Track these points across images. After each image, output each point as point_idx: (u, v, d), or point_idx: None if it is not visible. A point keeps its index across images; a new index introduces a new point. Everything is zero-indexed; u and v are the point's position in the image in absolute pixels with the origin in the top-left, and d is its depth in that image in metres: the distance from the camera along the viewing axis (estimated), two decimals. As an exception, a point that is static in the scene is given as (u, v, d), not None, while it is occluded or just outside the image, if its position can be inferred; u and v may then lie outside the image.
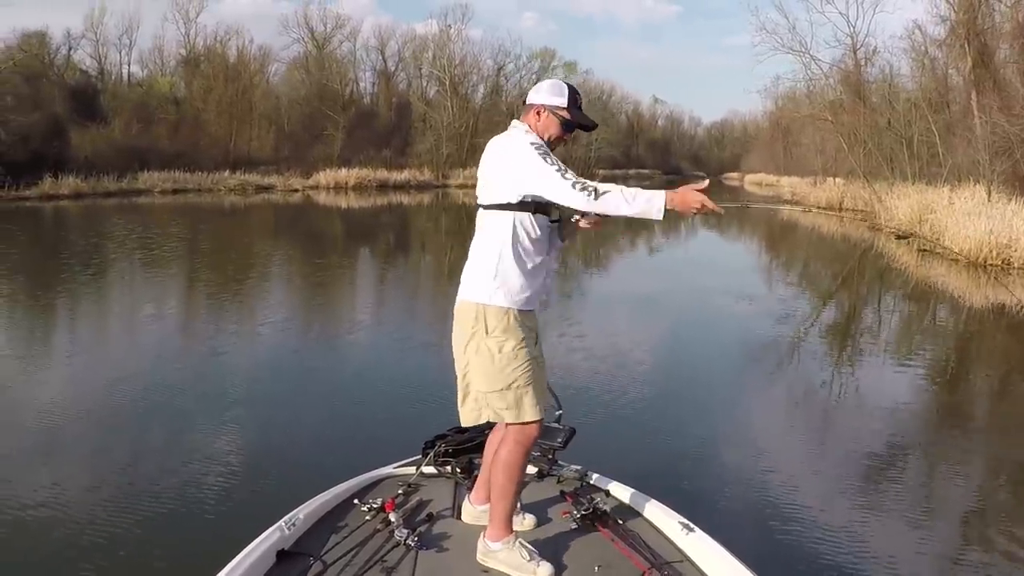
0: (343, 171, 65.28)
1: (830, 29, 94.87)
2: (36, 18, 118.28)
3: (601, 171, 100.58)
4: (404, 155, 72.13)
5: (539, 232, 3.97)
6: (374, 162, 68.24)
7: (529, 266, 3.95)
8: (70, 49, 66.54)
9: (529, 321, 4.04)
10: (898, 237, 28.70)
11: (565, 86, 4.12)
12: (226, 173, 59.94)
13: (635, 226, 41.67)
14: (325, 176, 64.16)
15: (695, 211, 3.68)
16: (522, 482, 4.17)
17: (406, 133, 76.99)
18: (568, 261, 24.93)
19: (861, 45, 44.23)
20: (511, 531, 4.05)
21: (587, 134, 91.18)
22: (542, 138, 4.02)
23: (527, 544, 4.00)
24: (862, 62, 44.98)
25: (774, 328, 14.74)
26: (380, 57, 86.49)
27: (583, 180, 3.76)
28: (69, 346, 12.74)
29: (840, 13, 55.11)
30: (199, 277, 20.54)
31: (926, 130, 38.19)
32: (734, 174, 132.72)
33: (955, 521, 6.83)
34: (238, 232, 33.85)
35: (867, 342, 14.26)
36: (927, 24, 42.08)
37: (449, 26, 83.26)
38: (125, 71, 74.91)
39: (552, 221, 4.04)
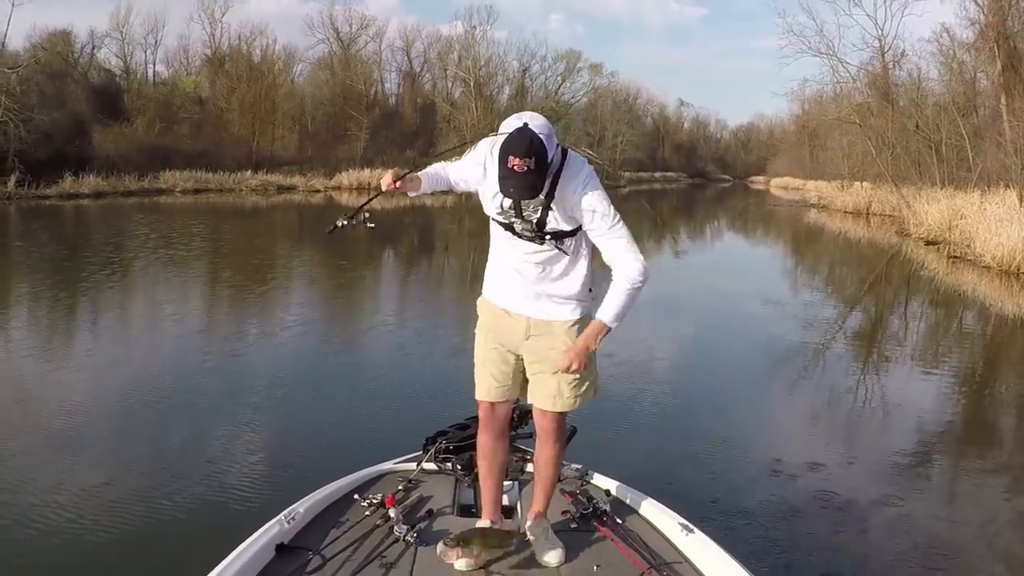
0: (366, 172, 65.14)
1: (857, 32, 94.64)
2: (65, 17, 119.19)
3: (627, 173, 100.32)
4: (428, 156, 71.96)
5: (497, 232, 4.10)
6: (398, 163, 67.97)
7: (493, 262, 4.21)
8: (93, 48, 66.76)
9: (495, 313, 4.19)
10: (927, 243, 28.18)
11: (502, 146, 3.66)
12: (248, 173, 59.98)
13: (659, 230, 41.45)
14: (348, 177, 64.08)
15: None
16: (501, 464, 4.41)
17: (430, 134, 76.91)
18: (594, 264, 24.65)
19: (889, 48, 43.79)
20: (488, 516, 4.33)
21: (612, 136, 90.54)
22: None
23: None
24: (890, 65, 44.51)
25: (794, 333, 14.34)
26: (405, 58, 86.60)
27: None
28: (80, 345, 12.53)
29: (868, 15, 54.90)
30: (213, 278, 20.37)
31: (955, 134, 37.68)
32: (760, 178, 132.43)
33: (970, 533, 6.52)
34: (258, 233, 33.74)
35: (891, 350, 13.82)
36: (955, 27, 41.48)
37: (474, 27, 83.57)
38: (150, 70, 75.19)
39: (504, 226, 4.02)
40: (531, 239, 3.92)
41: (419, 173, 4.24)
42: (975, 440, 9.17)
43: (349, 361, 11.96)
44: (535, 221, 3.86)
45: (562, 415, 4.21)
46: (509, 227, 3.95)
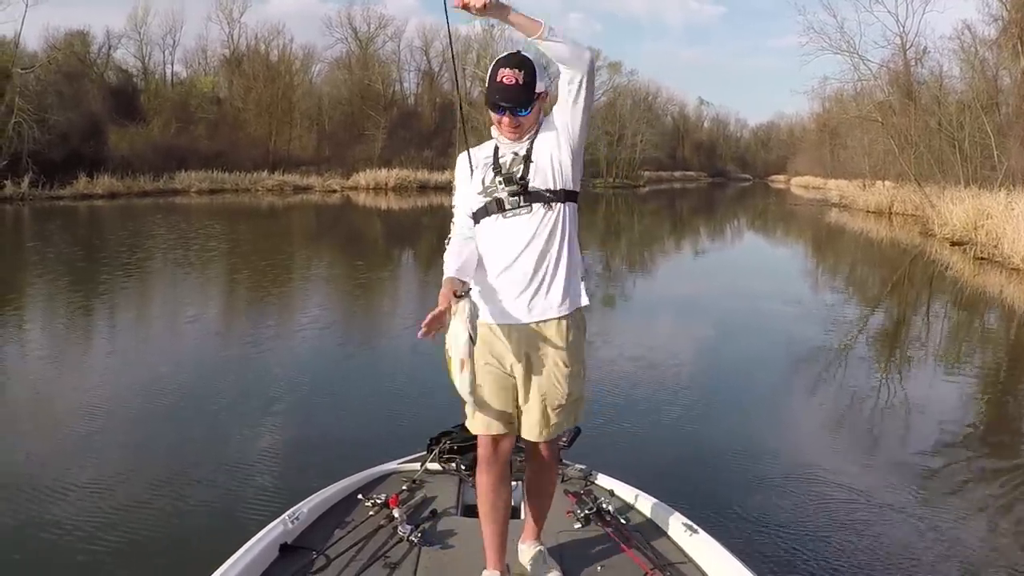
0: (383, 172, 65.10)
1: (878, 29, 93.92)
2: (82, 17, 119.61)
3: (647, 173, 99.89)
4: (446, 156, 71.56)
5: (484, 233, 3.75)
6: (415, 162, 67.98)
7: (480, 279, 3.76)
8: (110, 48, 66.88)
9: (485, 334, 3.72)
10: (953, 243, 27.58)
11: (492, 67, 3.68)
12: (264, 173, 59.99)
13: (679, 228, 41.16)
14: (365, 177, 64.04)
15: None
16: (506, 505, 3.97)
17: (448, 134, 76.62)
18: (610, 263, 24.45)
19: (911, 45, 43.22)
20: (492, 565, 3.93)
21: (632, 135, 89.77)
22: (498, 129, 3.74)
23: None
24: (912, 62, 43.94)
25: (813, 334, 13.95)
26: (424, 58, 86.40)
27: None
28: (89, 348, 12.52)
29: (889, 12, 54.40)
30: (226, 279, 20.34)
31: (978, 131, 37.09)
32: (780, 177, 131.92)
33: (985, 542, 6.28)
34: (274, 234, 33.63)
35: (914, 353, 13.36)
36: (977, 24, 40.92)
37: (492, 26, 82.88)
38: (168, 71, 75.34)
39: (491, 206, 3.71)
40: (518, 207, 3.66)
41: (454, 272, 3.65)
42: (998, 448, 8.75)
43: (355, 362, 11.85)
44: (518, 177, 3.66)
45: (554, 441, 3.91)
46: (498, 204, 3.69)
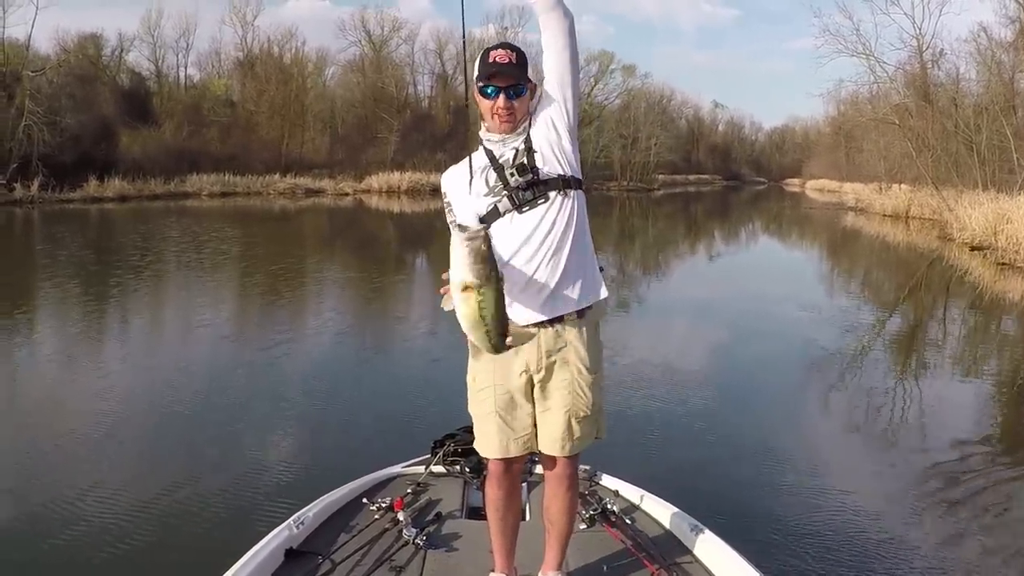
0: (396, 175, 64.95)
1: (895, 31, 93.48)
2: (95, 20, 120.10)
3: (661, 176, 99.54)
4: (460, 159, 71.31)
5: (498, 243, 3.40)
6: (428, 165, 67.78)
7: None
8: (122, 51, 67.03)
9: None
10: (972, 248, 27.16)
11: (481, 53, 3.56)
12: (276, 176, 59.92)
13: (692, 232, 40.99)
14: (377, 180, 63.90)
15: None
16: (515, 513, 3.87)
17: (463, 137, 76.41)
18: (624, 266, 24.28)
19: (927, 47, 42.86)
20: (501, 569, 3.84)
21: (646, 139, 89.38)
22: (486, 122, 3.58)
23: None
24: (929, 65, 43.57)
25: (826, 339, 13.65)
26: (438, 61, 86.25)
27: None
28: (101, 351, 12.44)
29: (905, 14, 54.09)
30: (234, 284, 20.18)
31: (996, 134, 36.68)
32: (795, 180, 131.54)
33: (996, 546, 6.17)
34: (285, 238, 33.53)
35: (930, 359, 13.05)
36: (994, 27, 40.54)
37: (506, 29, 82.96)
38: (182, 73, 75.56)
39: (503, 204, 3.50)
40: (533, 199, 3.46)
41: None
42: (1016, 457, 8.50)
43: (363, 366, 11.76)
44: (526, 164, 3.46)
45: (576, 457, 3.69)
46: (511, 200, 3.47)
